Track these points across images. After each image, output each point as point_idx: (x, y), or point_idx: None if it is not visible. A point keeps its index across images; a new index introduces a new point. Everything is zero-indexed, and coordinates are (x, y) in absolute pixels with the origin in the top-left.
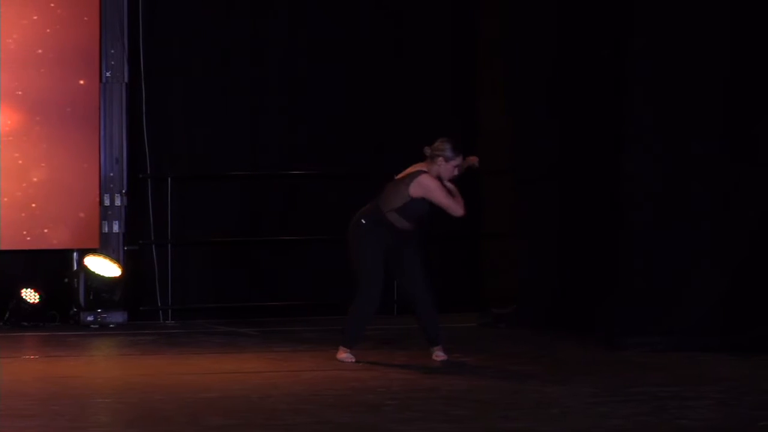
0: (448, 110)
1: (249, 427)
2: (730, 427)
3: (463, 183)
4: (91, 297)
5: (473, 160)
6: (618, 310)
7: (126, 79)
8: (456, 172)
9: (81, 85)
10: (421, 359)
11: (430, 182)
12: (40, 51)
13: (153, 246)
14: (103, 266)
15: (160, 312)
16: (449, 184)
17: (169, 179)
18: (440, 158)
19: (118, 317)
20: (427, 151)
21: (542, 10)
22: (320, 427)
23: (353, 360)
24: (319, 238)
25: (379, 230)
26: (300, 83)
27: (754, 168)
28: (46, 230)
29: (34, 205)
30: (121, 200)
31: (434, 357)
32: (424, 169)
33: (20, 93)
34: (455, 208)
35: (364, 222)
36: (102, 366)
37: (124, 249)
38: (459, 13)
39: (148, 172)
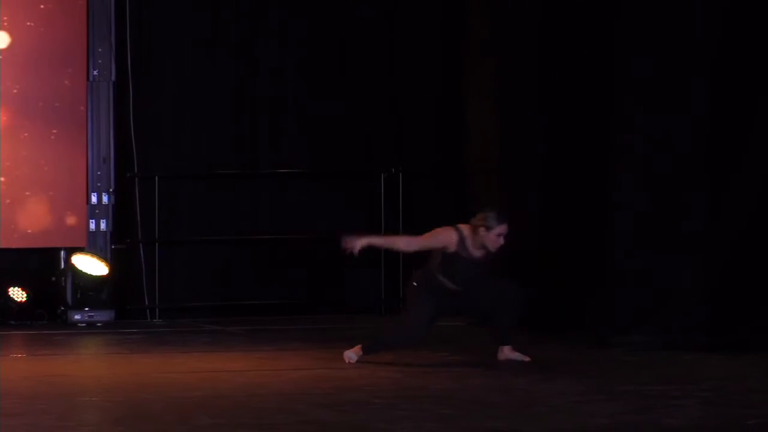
0: (437, 109)
1: (236, 426)
2: (717, 427)
3: (451, 181)
4: (79, 295)
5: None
6: (604, 309)
7: (113, 78)
8: (501, 242)
9: (68, 83)
10: (408, 358)
11: (438, 232)
12: (27, 50)
13: (140, 245)
14: (91, 265)
15: (148, 311)
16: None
17: (157, 178)
18: (481, 228)
19: (105, 316)
20: (472, 221)
21: (529, 10)
22: (308, 426)
23: (354, 361)
24: (307, 237)
25: (432, 288)
26: (288, 82)
27: (740, 173)
28: (33, 229)
29: (21, 203)
30: (109, 199)
31: (500, 356)
32: (462, 228)
33: (7, 92)
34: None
35: (415, 284)
36: (89, 365)
37: (111, 248)
38: (449, 12)
39: (136, 170)
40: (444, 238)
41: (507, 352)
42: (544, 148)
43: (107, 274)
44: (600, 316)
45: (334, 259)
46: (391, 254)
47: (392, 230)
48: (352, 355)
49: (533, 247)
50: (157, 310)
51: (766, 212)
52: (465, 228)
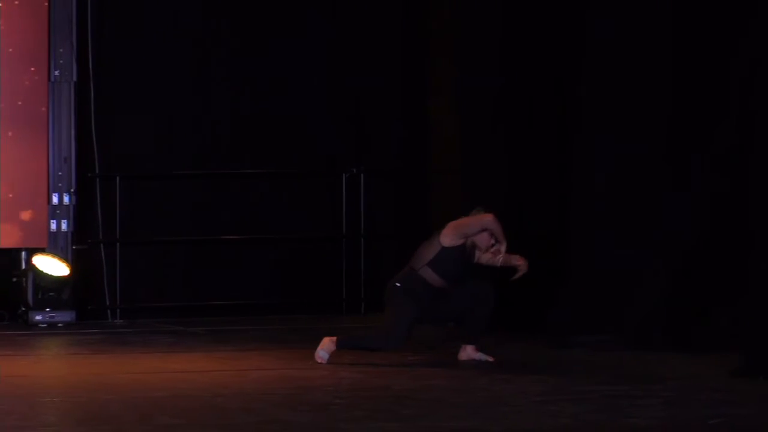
0: (399, 110)
1: (198, 426)
2: (679, 426)
3: (412, 181)
4: (40, 296)
5: (520, 261)
6: (567, 309)
7: (75, 78)
8: (493, 241)
9: (29, 84)
10: (370, 358)
11: (465, 218)
12: None
13: (101, 245)
14: (52, 265)
15: (109, 311)
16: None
17: (118, 178)
18: (485, 233)
19: (66, 316)
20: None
21: (489, 10)
22: (269, 426)
23: (325, 362)
24: (268, 238)
25: (415, 291)
26: (248, 83)
27: (701, 173)
28: None
29: None
30: (70, 199)
31: (462, 356)
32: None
33: None
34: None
35: (398, 285)
36: (50, 365)
37: (72, 248)
38: (409, 12)
39: (97, 171)
40: (482, 224)
41: (470, 352)
42: (506, 149)
43: (68, 275)
44: (562, 316)
45: (295, 259)
46: (353, 255)
47: (354, 230)
48: (324, 354)
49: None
50: (118, 310)
51: (726, 212)
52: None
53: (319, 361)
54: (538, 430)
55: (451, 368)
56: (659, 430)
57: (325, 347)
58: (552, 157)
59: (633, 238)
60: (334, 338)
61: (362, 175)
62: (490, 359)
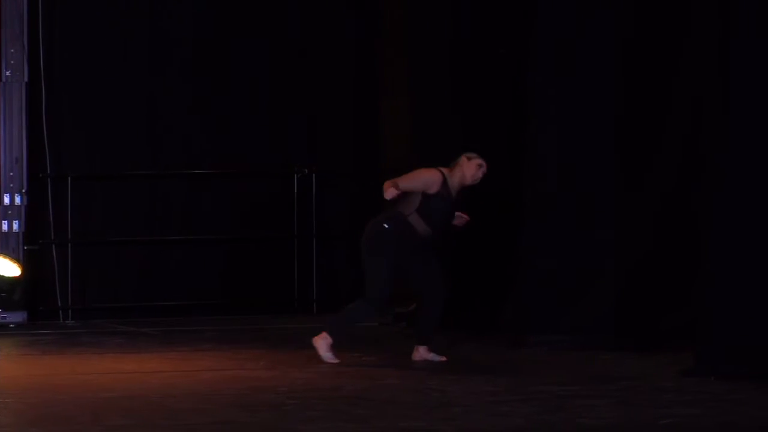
0: (351, 109)
1: (149, 426)
2: (631, 426)
3: (365, 181)
4: None
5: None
6: (520, 309)
7: (26, 79)
8: (479, 176)
9: None
10: (321, 358)
11: (422, 171)
12: None
13: (53, 245)
14: (3, 266)
15: (60, 312)
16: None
17: (69, 179)
18: (463, 157)
19: (17, 317)
20: (452, 164)
21: (440, 8)
22: (221, 426)
23: (337, 361)
24: (220, 238)
25: (400, 239)
26: (200, 82)
27: (651, 173)
28: None
29: None
30: (21, 200)
31: (415, 356)
32: (443, 170)
33: None
34: (389, 190)
35: (387, 226)
36: (2, 366)
37: (24, 248)
38: (361, 11)
39: (48, 171)
40: (429, 178)
41: (423, 353)
42: (459, 149)
43: (20, 275)
44: (515, 316)
45: (247, 259)
46: (305, 255)
47: (306, 230)
48: (327, 354)
49: (450, 248)
50: (70, 311)
51: (676, 213)
52: (445, 170)
53: (331, 361)
54: (490, 431)
55: (404, 368)
56: (611, 430)
57: (322, 346)
58: (504, 157)
59: (585, 239)
60: (322, 334)
61: (314, 175)
62: (443, 359)
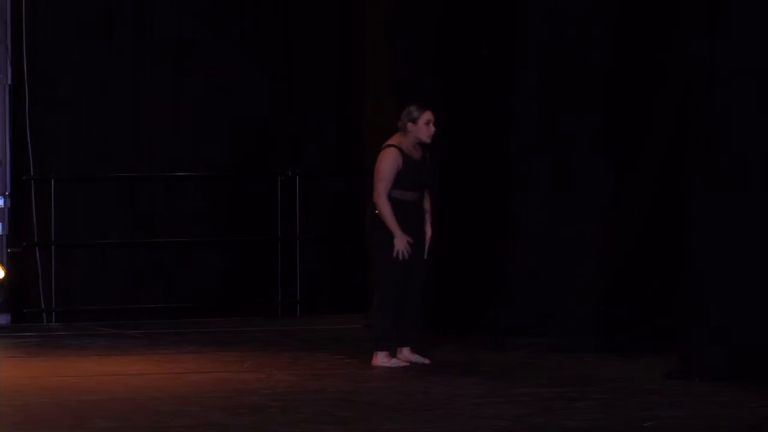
0: (335, 111)
1: (133, 429)
2: (615, 428)
3: (348, 183)
4: None
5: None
6: (503, 311)
7: (9, 81)
8: (433, 129)
9: None
10: (306, 360)
11: (381, 161)
12: None
13: (37, 248)
14: None
15: (44, 314)
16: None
17: (53, 181)
18: (409, 123)
19: (1, 319)
20: (399, 124)
21: (426, 12)
22: (205, 429)
23: (406, 364)
24: (204, 240)
25: (398, 216)
26: (185, 86)
27: (636, 173)
28: None
29: None
30: (5, 202)
31: (401, 358)
32: (393, 143)
33: None
34: (378, 192)
35: (378, 211)
36: None
37: (7, 251)
38: (345, 13)
39: (32, 173)
40: (392, 163)
41: (406, 354)
42: (443, 151)
43: (3, 278)
44: (499, 318)
45: (231, 262)
46: (288, 257)
47: (288, 233)
48: (395, 361)
49: (434, 249)
50: (53, 313)
51: (661, 214)
52: (395, 139)
53: (401, 365)
54: None
55: (387, 370)
56: None
57: (384, 362)
58: (489, 159)
59: (569, 241)
60: (377, 353)
61: (297, 177)
62: (426, 361)
